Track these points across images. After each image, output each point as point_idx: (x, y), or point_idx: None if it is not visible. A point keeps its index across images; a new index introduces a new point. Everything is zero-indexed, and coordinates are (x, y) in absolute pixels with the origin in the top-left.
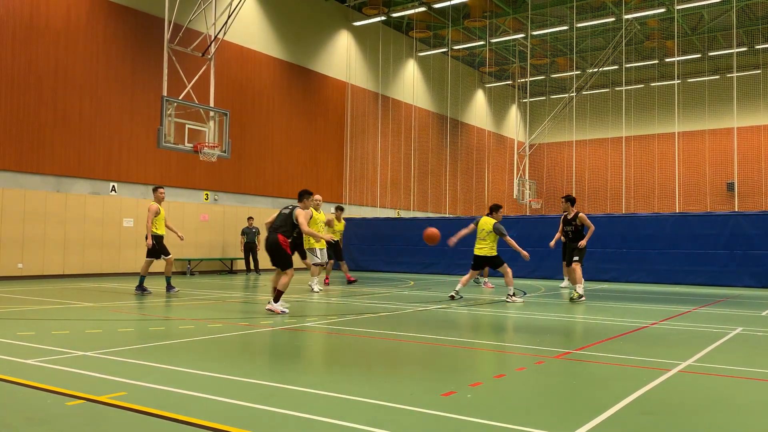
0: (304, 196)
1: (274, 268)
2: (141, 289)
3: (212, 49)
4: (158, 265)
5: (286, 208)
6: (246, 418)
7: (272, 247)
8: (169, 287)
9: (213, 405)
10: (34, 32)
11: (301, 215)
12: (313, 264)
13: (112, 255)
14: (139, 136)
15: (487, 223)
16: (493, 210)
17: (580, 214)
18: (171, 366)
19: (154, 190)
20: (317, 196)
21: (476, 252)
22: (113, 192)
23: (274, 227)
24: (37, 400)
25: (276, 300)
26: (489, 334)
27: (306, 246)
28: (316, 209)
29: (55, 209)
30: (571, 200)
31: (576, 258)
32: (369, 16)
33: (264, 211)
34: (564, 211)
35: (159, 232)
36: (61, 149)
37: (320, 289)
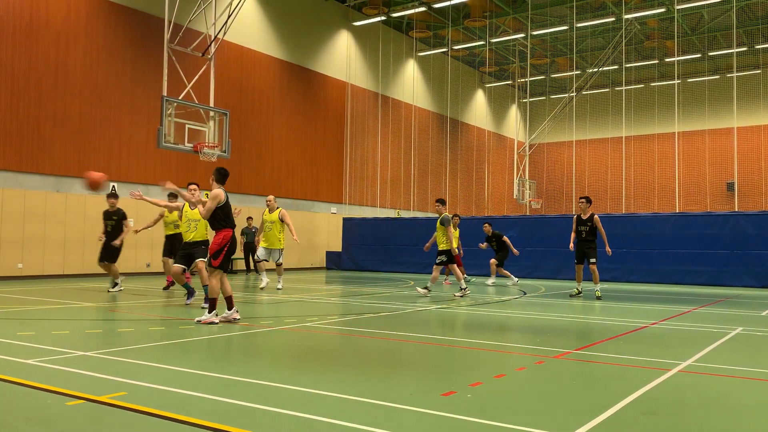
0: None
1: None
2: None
3: (212, 49)
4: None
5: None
6: (245, 417)
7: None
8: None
9: (213, 405)
10: (34, 32)
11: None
12: (258, 262)
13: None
14: (139, 136)
15: None
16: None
17: (595, 216)
18: (171, 366)
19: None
20: (270, 197)
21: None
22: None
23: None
24: (38, 400)
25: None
26: (489, 334)
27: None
28: (271, 211)
29: (55, 209)
30: (589, 201)
31: (593, 260)
32: (369, 16)
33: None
34: (581, 211)
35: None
36: (61, 149)
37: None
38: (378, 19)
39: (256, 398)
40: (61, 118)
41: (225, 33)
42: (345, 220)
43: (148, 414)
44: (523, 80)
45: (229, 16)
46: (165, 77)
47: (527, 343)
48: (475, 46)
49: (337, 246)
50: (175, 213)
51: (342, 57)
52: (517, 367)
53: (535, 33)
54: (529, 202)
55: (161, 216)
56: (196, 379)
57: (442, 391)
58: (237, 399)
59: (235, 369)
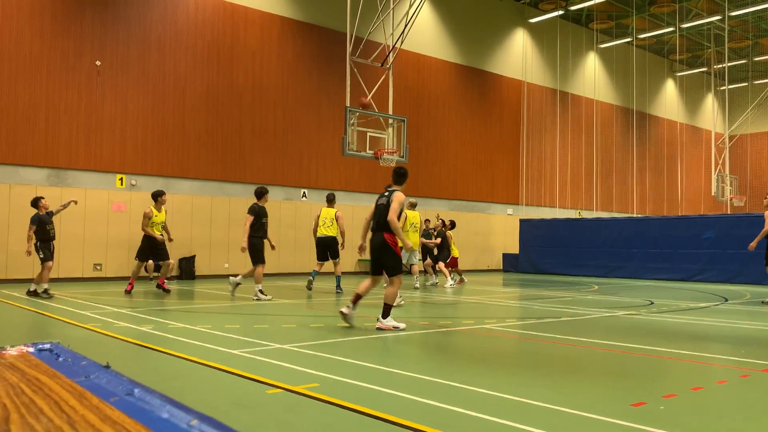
0: (401, 179)
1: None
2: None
3: (390, 58)
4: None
5: (383, 196)
6: (428, 415)
7: (379, 249)
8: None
9: (396, 400)
10: (234, 54)
11: (396, 200)
12: (411, 264)
13: (305, 256)
14: (326, 144)
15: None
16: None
17: None
18: (357, 361)
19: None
20: (411, 200)
21: None
22: (304, 198)
23: (377, 224)
24: (242, 387)
25: (385, 315)
26: (684, 343)
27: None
28: (411, 208)
29: None
30: None
31: None
32: (546, 12)
33: (440, 214)
34: None
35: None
36: (259, 159)
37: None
38: (556, 13)
39: (437, 397)
40: (258, 131)
41: (402, 42)
42: (522, 221)
43: (339, 406)
44: (720, 66)
45: (405, 26)
46: (348, 88)
47: (729, 354)
48: (664, 33)
49: (513, 248)
50: (163, 214)
51: (517, 55)
52: (718, 380)
53: (733, 14)
54: (730, 199)
55: (147, 216)
56: (380, 374)
57: (631, 402)
58: (419, 396)
59: (416, 367)
